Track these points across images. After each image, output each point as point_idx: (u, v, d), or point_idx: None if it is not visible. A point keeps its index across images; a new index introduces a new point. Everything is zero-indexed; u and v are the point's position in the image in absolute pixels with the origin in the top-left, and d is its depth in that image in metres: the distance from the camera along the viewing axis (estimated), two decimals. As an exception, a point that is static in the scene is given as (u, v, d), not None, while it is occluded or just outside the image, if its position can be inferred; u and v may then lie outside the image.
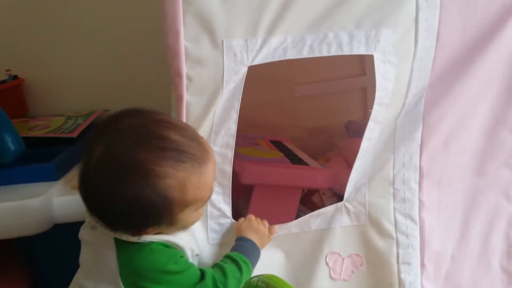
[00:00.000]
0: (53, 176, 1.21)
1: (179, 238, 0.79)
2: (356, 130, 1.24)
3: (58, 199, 1.14)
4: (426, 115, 0.96)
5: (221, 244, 0.93)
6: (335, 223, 0.97)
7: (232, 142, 0.89)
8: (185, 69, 0.80)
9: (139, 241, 0.74)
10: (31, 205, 1.10)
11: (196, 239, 0.88)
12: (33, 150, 1.34)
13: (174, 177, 0.69)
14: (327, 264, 0.98)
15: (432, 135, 0.97)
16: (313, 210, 0.99)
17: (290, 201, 1.21)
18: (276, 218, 0.99)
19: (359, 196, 0.97)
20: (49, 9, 1.60)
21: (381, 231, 0.98)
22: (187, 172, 0.71)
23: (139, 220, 0.72)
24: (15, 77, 1.60)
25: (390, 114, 0.94)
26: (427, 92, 0.95)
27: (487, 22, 0.92)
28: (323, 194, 1.22)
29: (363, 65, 1.66)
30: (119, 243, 0.75)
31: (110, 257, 0.76)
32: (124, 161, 0.68)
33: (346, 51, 0.87)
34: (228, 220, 0.94)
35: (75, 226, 1.15)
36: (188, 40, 0.79)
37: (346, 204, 0.97)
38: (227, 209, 0.93)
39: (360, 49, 0.87)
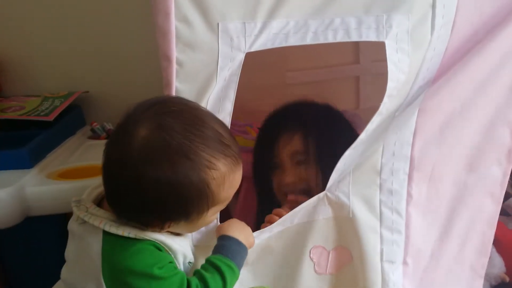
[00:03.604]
0: (26, 163, 1.15)
1: (173, 241, 0.75)
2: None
3: (31, 189, 1.09)
4: (423, 100, 0.90)
5: (206, 246, 0.86)
6: (318, 215, 0.91)
7: None
8: (175, 53, 0.74)
9: (130, 235, 0.71)
10: (0, 196, 1.04)
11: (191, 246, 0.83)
12: (5, 134, 1.28)
13: (219, 170, 0.70)
14: (311, 259, 0.92)
15: (427, 121, 0.91)
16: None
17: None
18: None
19: (342, 185, 0.90)
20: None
21: (365, 224, 0.91)
22: (229, 167, 0.71)
23: (169, 209, 0.70)
24: (-14, 54, 1.52)
25: (393, 105, 0.88)
26: None
27: (501, 15, 0.87)
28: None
29: (357, 53, 1.61)
30: (107, 236, 0.72)
31: (95, 250, 0.72)
32: (177, 143, 0.67)
33: (354, 38, 0.80)
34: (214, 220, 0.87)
35: (49, 219, 1.10)
36: (179, 20, 0.73)
37: (328, 194, 0.90)
38: None
39: (369, 36, 0.80)
